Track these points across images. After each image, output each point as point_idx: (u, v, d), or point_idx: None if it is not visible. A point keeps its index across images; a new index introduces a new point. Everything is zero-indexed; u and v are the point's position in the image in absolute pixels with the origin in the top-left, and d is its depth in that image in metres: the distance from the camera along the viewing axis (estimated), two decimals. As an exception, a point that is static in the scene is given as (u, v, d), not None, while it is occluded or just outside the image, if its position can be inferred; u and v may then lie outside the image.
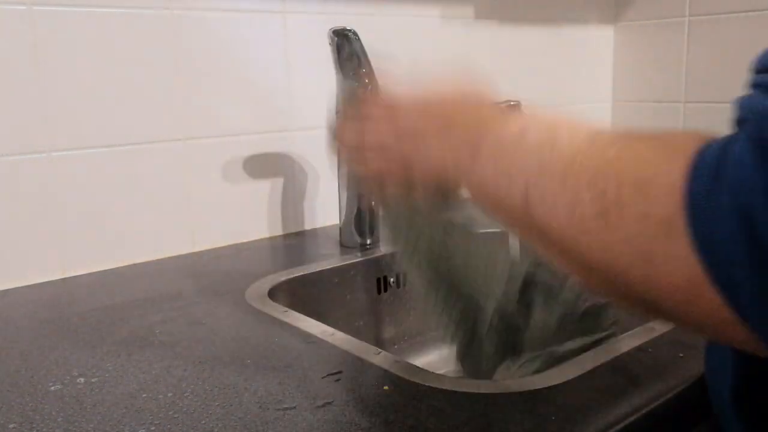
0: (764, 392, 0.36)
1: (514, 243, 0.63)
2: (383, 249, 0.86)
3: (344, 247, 0.88)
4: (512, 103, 0.70)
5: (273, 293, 0.72)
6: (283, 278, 0.76)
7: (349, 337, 0.59)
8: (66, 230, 0.78)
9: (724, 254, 0.23)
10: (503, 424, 0.44)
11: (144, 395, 0.49)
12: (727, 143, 0.24)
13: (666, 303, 0.26)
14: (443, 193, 0.42)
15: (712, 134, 0.26)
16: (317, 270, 0.79)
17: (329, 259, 0.82)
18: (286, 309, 0.66)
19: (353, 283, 0.82)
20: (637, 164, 0.27)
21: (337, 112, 0.45)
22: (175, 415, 0.46)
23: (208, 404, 0.47)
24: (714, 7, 1.25)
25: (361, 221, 0.87)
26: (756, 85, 0.27)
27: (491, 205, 0.36)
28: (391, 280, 0.85)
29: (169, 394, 0.49)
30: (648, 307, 0.28)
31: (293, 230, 0.98)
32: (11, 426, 0.45)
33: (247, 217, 0.93)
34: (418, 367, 0.53)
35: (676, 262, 0.24)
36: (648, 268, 0.26)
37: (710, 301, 0.24)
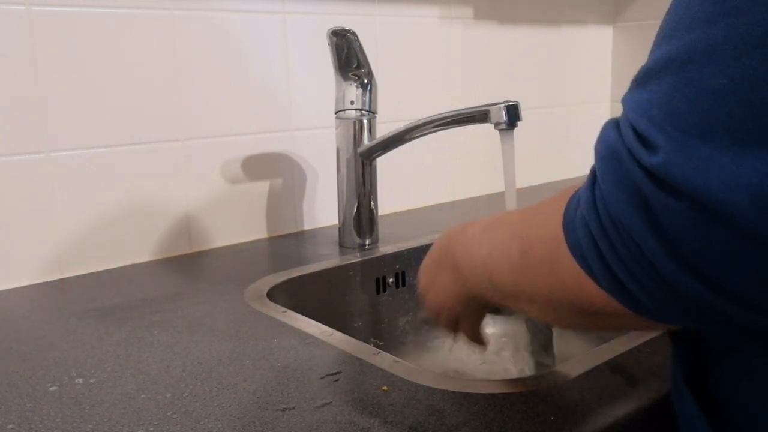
0: (712, 376, 0.39)
1: None
2: (382, 249, 0.86)
3: (343, 247, 0.88)
4: (511, 103, 0.70)
5: (272, 294, 0.72)
6: (282, 279, 0.75)
7: (348, 337, 0.59)
8: (65, 230, 0.78)
9: (581, 246, 0.35)
10: (503, 424, 0.44)
11: (143, 396, 0.49)
12: (584, 186, 0.36)
13: (572, 297, 0.37)
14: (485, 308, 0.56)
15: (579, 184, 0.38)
16: (316, 270, 0.79)
17: (328, 260, 0.82)
18: (285, 309, 0.66)
19: (352, 284, 0.82)
20: (540, 216, 0.41)
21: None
22: (174, 416, 0.46)
23: (207, 404, 0.47)
24: (713, 8, 1.25)
25: (360, 222, 0.87)
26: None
27: (490, 294, 0.48)
28: (390, 280, 0.85)
29: (168, 395, 0.49)
30: (568, 311, 0.39)
31: (292, 230, 0.98)
32: (9, 427, 0.45)
33: (246, 218, 0.93)
34: (417, 368, 0.53)
35: (565, 264, 0.36)
36: (553, 277, 0.38)
37: (589, 284, 0.35)
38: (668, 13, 0.33)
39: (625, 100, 0.33)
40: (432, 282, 0.55)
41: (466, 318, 0.55)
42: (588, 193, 0.35)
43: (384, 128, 0.86)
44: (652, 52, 0.33)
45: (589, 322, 0.41)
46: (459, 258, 0.50)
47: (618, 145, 0.32)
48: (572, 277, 0.36)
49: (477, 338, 0.58)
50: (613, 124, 0.34)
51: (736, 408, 0.38)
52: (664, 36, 0.32)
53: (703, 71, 0.29)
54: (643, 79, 0.33)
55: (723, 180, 0.27)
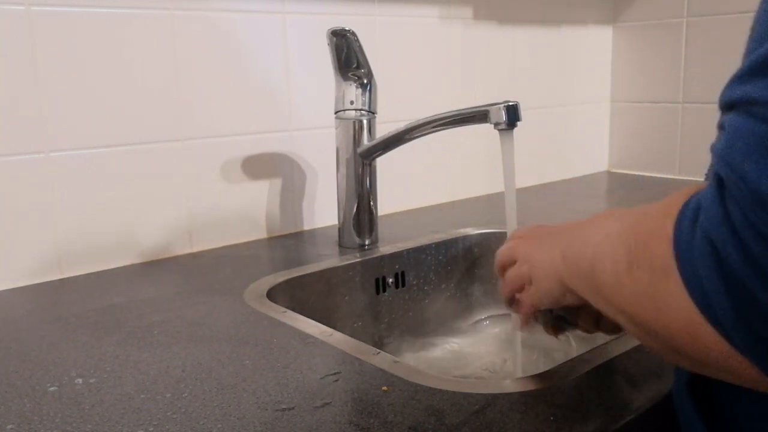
0: (716, 385, 0.37)
1: None
2: (382, 249, 0.86)
3: (343, 247, 0.88)
4: (511, 103, 0.70)
5: (272, 294, 0.72)
6: (282, 279, 0.75)
7: (348, 337, 0.59)
8: (64, 230, 0.78)
9: (707, 288, 0.26)
10: (502, 424, 0.44)
11: (142, 396, 0.49)
12: (703, 192, 0.28)
13: (681, 345, 0.29)
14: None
15: (700, 186, 0.30)
16: (316, 270, 0.79)
17: (328, 260, 0.82)
18: (285, 309, 0.66)
19: (352, 284, 0.82)
20: (647, 222, 0.32)
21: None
22: (174, 416, 0.46)
23: (207, 405, 0.47)
24: (712, 8, 1.25)
25: (359, 222, 0.87)
26: (719, 127, 0.30)
27: (578, 282, 0.42)
28: (390, 280, 0.85)
29: (168, 395, 0.49)
30: (675, 353, 0.31)
31: (292, 230, 0.98)
32: (9, 427, 0.45)
33: (246, 218, 0.93)
34: (416, 368, 0.53)
35: (675, 303, 0.28)
36: (658, 313, 0.29)
37: (709, 335, 0.26)
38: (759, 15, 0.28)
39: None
40: (524, 249, 0.49)
41: (538, 300, 0.49)
42: (716, 207, 0.26)
43: (384, 128, 0.86)
44: (752, 51, 0.28)
45: (700, 370, 0.33)
46: (569, 236, 0.43)
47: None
48: (687, 320, 0.27)
49: (527, 323, 0.53)
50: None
51: (737, 416, 0.37)
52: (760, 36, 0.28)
53: None
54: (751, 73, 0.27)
55: None
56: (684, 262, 0.27)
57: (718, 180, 0.26)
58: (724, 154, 0.26)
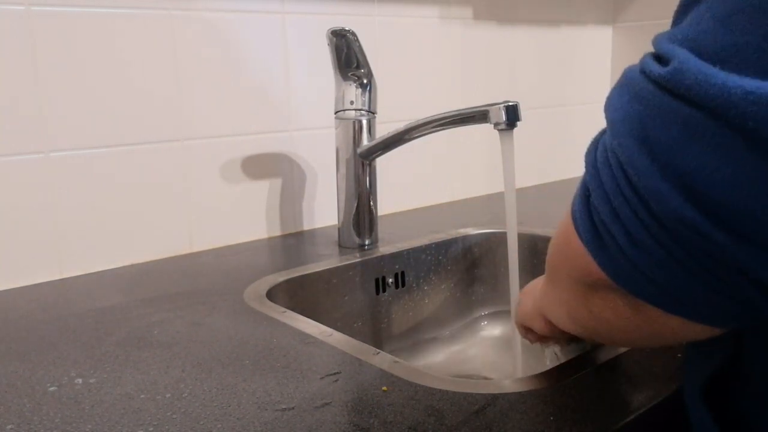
0: (732, 390, 0.39)
1: None
2: (381, 250, 0.86)
3: (343, 247, 0.88)
4: (511, 103, 0.70)
5: (271, 294, 0.72)
6: (282, 279, 0.75)
7: (348, 337, 0.59)
8: (64, 230, 0.78)
9: (575, 211, 0.36)
10: (502, 424, 0.44)
11: (142, 396, 0.49)
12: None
13: (575, 271, 0.38)
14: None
15: None
16: (316, 270, 0.79)
17: (328, 260, 0.82)
18: (285, 309, 0.66)
19: (352, 284, 0.82)
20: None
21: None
22: (174, 416, 0.46)
23: (207, 405, 0.47)
24: (712, 8, 1.25)
25: (359, 222, 0.87)
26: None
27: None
28: (390, 280, 0.85)
29: (168, 395, 0.49)
30: (576, 292, 0.41)
31: (292, 231, 0.98)
32: (9, 427, 0.45)
33: (246, 218, 0.93)
34: (416, 368, 0.53)
35: (576, 249, 0.36)
36: (565, 260, 0.39)
37: (580, 247, 0.36)
38: None
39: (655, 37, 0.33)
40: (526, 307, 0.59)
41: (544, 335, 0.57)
42: (590, 155, 0.35)
43: (383, 128, 0.86)
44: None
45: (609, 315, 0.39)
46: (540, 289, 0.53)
47: (632, 73, 0.32)
48: (576, 250, 0.36)
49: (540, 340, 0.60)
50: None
51: (753, 423, 0.38)
52: None
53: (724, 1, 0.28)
54: (673, 23, 0.33)
55: (744, 94, 0.26)
56: (575, 220, 0.36)
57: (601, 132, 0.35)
58: (609, 101, 0.34)
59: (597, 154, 0.34)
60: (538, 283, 0.56)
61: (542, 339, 0.58)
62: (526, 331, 0.59)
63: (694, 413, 0.42)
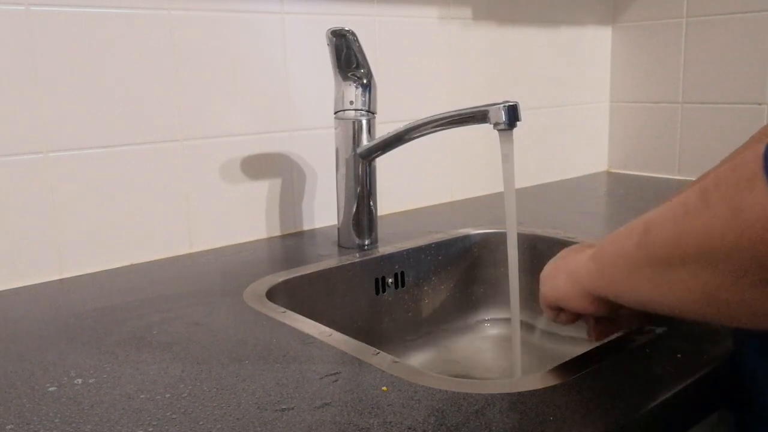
0: None
1: None
2: (381, 250, 0.86)
3: (342, 247, 0.88)
4: (510, 103, 0.70)
5: (271, 294, 0.72)
6: (282, 279, 0.75)
7: (347, 337, 0.59)
8: (64, 231, 0.78)
9: None
10: (501, 424, 0.44)
11: (142, 396, 0.49)
12: None
13: (753, 248, 0.31)
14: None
15: None
16: (315, 270, 0.79)
17: (327, 260, 0.82)
18: (285, 310, 0.66)
19: (351, 284, 0.82)
20: (732, 162, 0.34)
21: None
22: (173, 416, 0.46)
23: (206, 405, 0.47)
24: (711, 9, 1.25)
25: (359, 222, 0.87)
26: None
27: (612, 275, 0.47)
28: (390, 280, 0.85)
29: (167, 395, 0.49)
30: (736, 278, 0.33)
31: (291, 231, 0.98)
32: (9, 427, 0.45)
33: (245, 218, 0.93)
34: (416, 368, 0.53)
35: (759, 202, 0.30)
36: (735, 222, 0.31)
37: None
38: None
39: None
40: (555, 274, 0.57)
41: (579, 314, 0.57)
42: None
43: (383, 128, 0.86)
44: None
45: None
46: (604, 247, 0.49)
47: None
48: (764, 215, 0.29)
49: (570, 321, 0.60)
50: None
51: None
52: None
53: None
54: None
55: None
56: None
57: None
58: None
59: None
60: (570, 264, 0.55)
61: (575, 319, 0.59)
62: (557, 312, 0.59)
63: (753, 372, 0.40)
